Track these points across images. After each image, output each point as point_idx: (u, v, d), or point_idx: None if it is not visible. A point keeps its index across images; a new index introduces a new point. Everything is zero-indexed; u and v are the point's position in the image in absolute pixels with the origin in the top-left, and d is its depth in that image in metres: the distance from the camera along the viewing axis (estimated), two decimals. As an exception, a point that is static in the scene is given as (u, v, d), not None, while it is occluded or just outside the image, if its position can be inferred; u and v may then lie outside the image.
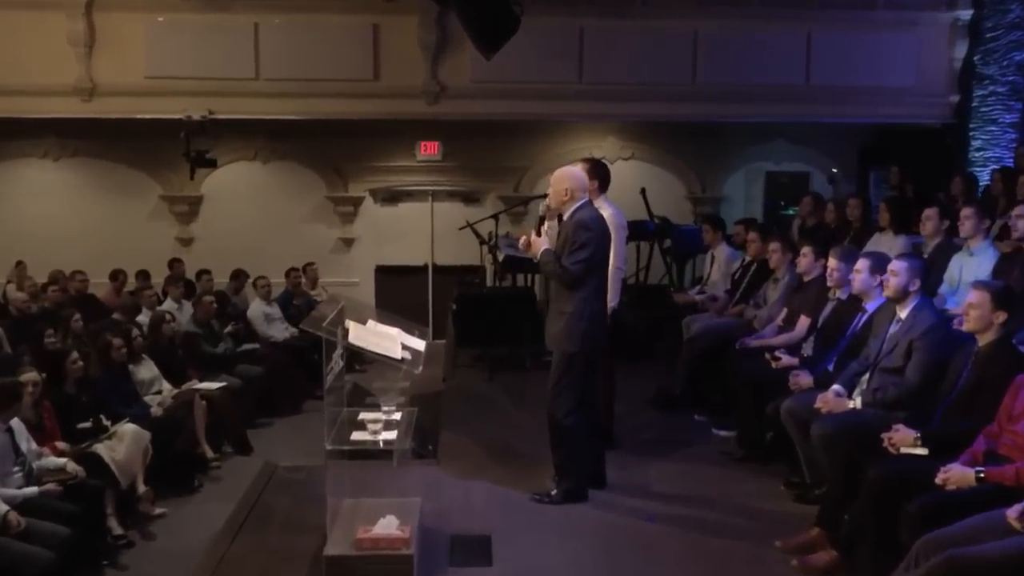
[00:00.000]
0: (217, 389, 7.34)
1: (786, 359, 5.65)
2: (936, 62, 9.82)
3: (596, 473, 5.21)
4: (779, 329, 6.26)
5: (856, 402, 4.72)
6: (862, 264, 5.16)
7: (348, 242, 11.26)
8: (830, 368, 5.27)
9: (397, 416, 4.36)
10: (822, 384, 5.08)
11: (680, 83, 9.79)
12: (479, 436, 6.10)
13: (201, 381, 7.42)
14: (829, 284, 5.69)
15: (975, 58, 9.59)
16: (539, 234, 4.89)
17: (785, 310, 6.32)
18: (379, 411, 4.37)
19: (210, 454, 7.03)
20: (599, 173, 5.65)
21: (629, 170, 10.88)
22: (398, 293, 10.92)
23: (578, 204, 4.85)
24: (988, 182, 8.17)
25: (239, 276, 10.00)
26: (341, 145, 10.83)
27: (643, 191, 9.44)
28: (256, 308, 9.23)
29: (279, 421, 8.13)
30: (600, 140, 11.09)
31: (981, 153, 9.24)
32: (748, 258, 7.24)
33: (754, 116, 10.05)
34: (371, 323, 4.25)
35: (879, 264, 5.13)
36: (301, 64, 9.66)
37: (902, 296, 4.71)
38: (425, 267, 11.31)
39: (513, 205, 9.87)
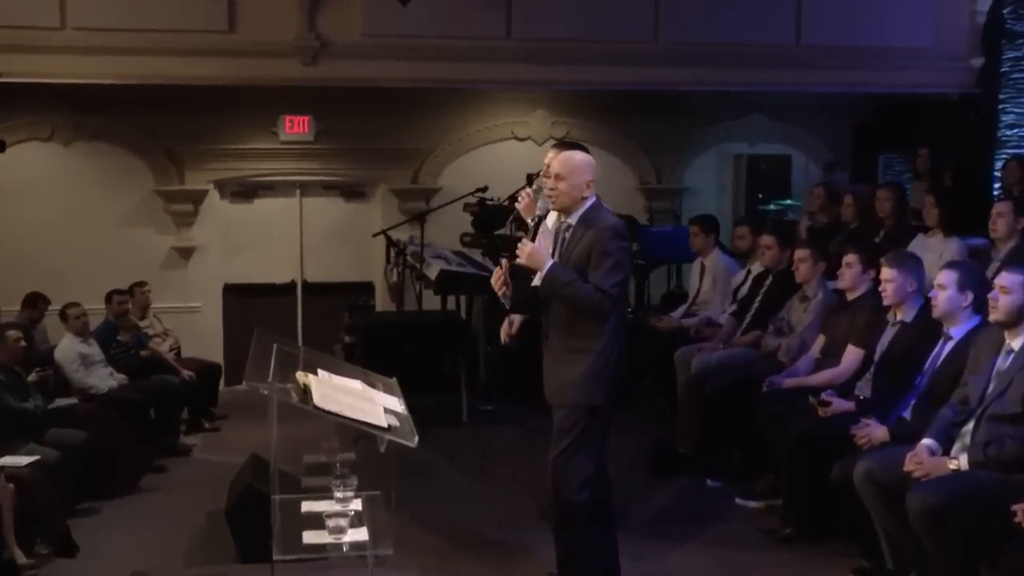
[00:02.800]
0: (27, 465, 6.76)
1: (838, 403, 5.59)
2: (955, 17, 10.08)
3: (608, 568, 4.94)
4: (815, 363, 6.22)
5: (960, 461, 4.62)
6: (947, 278, 5.11)
7: (186, 252, 10.81)
8: (906, 415, 5.21)
9: (358, 505, 4.01)
10: (900, 437, 4.99)
11: (638, 41, 9.74)
12: (429, 518, 5.89)
13: (2, 454, 6.83)
14: (887, 302, 5.63)
15: (1004, 11, 9.87)
16: (534, 239, 4.64)
17: (822, 337, 6.30)
18: (331, 499, 4.01)
19: (22, 559, 6.46)
20: None
21: (563, 154, 10.74)
22: (255, 320, 10.12)
23: (591, 203, 4.68)
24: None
25: (35, 302, 9.35)
26: (176, 121, 10.41)
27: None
28: (68, 348, 8.58)
29: (110, 506, 7.57)
30: (526, 114, 11.00)
31: (1015, 131, 9.51)
32: (760, 269, 7.16)
33: (732, 84, 10.08)
34: (324, 374, 3.87)
35: (970, 277, 5.10)
36: (125, 9, 9.21)
37: (1016, 320, 4.65)
38: (292, 285, 11.03)
39: (423, 211, 9.46)
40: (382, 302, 10.58)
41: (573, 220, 4.66)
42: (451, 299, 8.66)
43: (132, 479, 7.89)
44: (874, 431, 5.12)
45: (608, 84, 10.09)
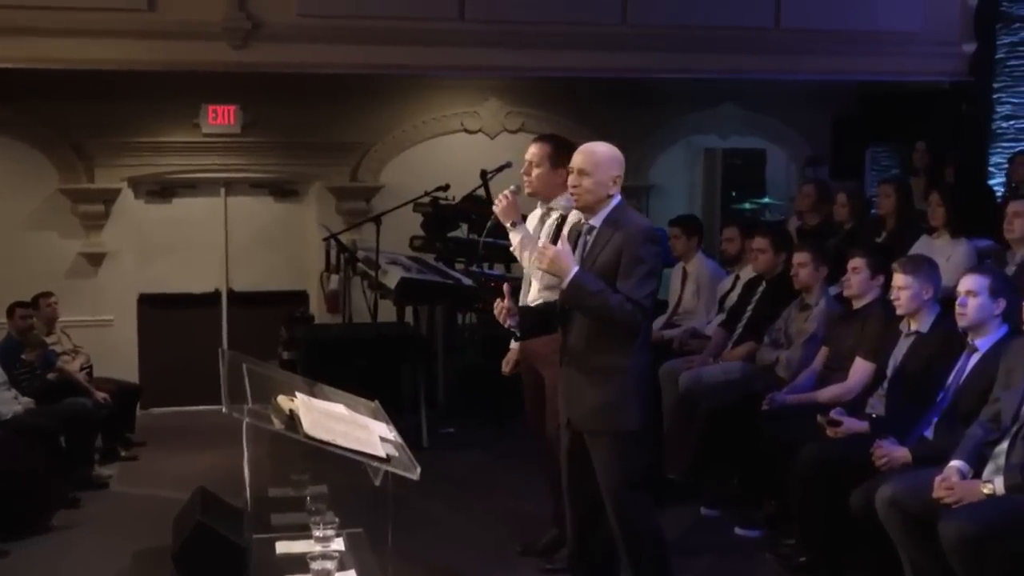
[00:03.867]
0: (-73, 505, 6.60)
1: (849, 422, 5.60)
2: (946, -2, 10.29)
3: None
4: (819, 377, 6.25)
5: (995, 485, 4.64)
6: (976, 283, 5.14)
7: (95, 259, 10.61)
8: (927, 434, 5.23)
9: (340, 545, 3.92)
10: (924, 459, 5.01)
11: (606, 23, 9.72)
12: (407, 555, 5.66)
13: (-102, 491, 6.66)
14: (900, 311, 5.66)
15: (1001, -9, 10.04)
16: (555, 241, 4.61)
17: (825, 349, 6.33)
18: (310, 539, 3.91)
19: (-77, 610, 6.28)
20: (569, 157, 5.60)
21: (516, 147, 10.66)
22: (174, 335, 10.56)
23: (616, 202, 4.65)
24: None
25: (-74, 316, 9.12)
26: (84, 111, 10.19)
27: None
28: (-33, 368, 8.38)
29: (20, 547, 7.36)
30: (476, 104, 10.96)
31: (1011, 123, 9.64)
32: (751, 274, 7.19)
33: (705, 70, 10.12)
34: (303, 397, 3.76)
35: (1002, 283, 5.14)
36: (28, -15, 9.00)
37: (1057, 330, 4.69)
38: (216, 295, 10.92)
39: (379, 212, 9.25)
40: (318, 313, 10.48)
41: (597, 222, 4.62)
42: (403, 309, 8.54)
43: (44, 516, 7.67)
44: (894, 452, 5.12)
45: (570, 71, 10.05)
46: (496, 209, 5.37)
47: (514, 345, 5.74)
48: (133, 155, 10.48)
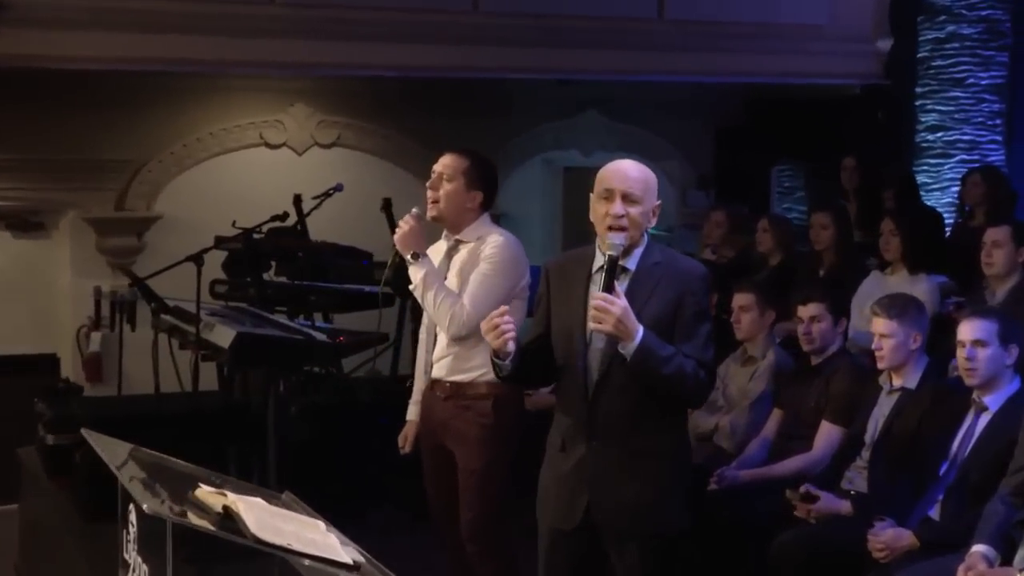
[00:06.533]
0: None
1: (827, 499, 5.63)
2: (858, -13, 10.68)
3: None
4: (771, 446, 6.30)
5: (1031, 571, 4.74)
6: (984, 330, 5.21)
7: None
8: (932, 514, 5.29)
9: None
10: (932, 544, 5.07)
11: (450, 10, 9.83)
12: None
13: None
14: (883, 365, 5.74)
15: (921, -20, 10.42)
16: (611, 290, 4.25)
17: (779, 412, 6.38)
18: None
19: None
20: (487, 177, 5.55)
21: (330, 166, 10.76)
22: None
23: (648, 241, 4.50)
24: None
25: None
26: None
27: (387, 204, 9.21)
28: None
29: None
30: (279, 111, 10.94)
31: (938, 136, 9.97)
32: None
33: (575, 70, 10.28)
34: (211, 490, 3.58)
35: (1012, 328, 5.23)
36: None
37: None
38: None
39: (202, 250, 8.84)
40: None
41: (632, 264, 4.42)
42: (209, 373, 8.26)
43: None
44: (896, 538, 5.15)
45: (404, 69, 10.08)
46: (396, 239, 5.22)
47: (412, 416, 5.59)
48: None
